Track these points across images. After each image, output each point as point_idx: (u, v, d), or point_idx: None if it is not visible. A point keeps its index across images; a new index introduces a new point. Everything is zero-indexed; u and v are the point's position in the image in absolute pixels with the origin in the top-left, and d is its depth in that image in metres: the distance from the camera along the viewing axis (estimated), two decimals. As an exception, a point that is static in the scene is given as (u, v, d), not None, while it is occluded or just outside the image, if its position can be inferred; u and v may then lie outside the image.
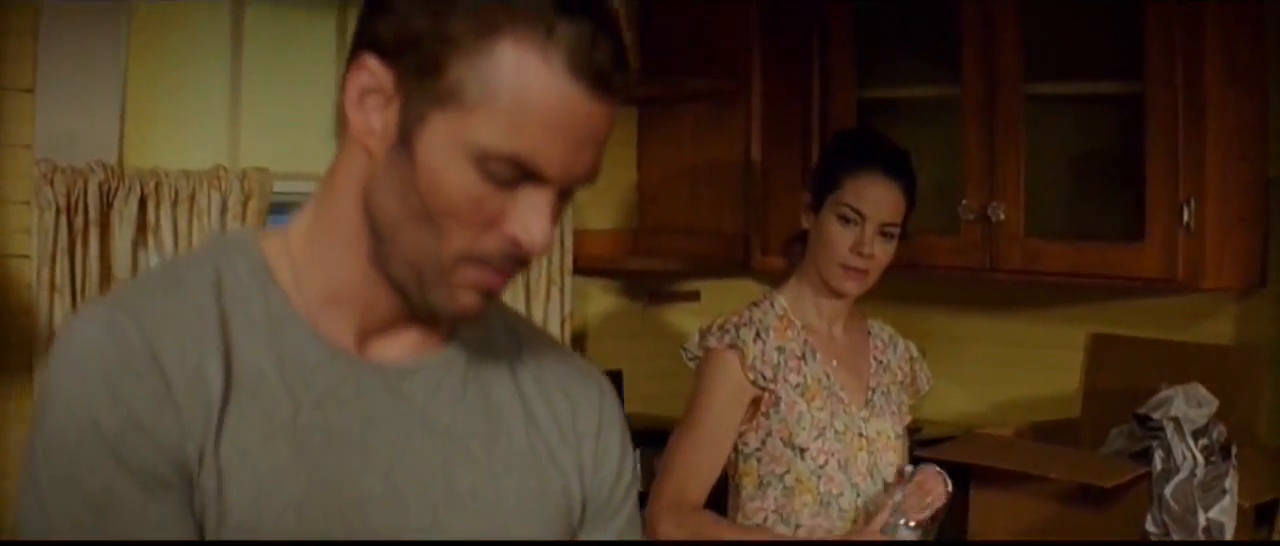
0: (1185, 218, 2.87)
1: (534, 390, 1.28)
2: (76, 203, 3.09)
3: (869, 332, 2.61)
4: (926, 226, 3.02)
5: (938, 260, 3.26)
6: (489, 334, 1.27)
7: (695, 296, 4.18)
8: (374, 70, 1.09)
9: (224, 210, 3.27)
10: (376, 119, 1.10)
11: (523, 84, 1.04)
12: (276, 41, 3.54)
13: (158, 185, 3.20)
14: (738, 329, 2.43)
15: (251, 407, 1.11)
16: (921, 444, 3.16)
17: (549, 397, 1.29)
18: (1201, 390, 2.68)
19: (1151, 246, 2.93)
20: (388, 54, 1.08)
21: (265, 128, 3.51)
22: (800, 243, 2.56)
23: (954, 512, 2.94)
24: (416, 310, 1.15)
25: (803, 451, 2.40)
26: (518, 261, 1.11)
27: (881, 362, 2.58)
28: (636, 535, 1.36)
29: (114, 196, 3.14)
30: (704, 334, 2.48)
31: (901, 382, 2.61)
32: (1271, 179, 3.07)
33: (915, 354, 2.68)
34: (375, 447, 1.16)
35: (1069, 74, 3.12)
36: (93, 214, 3.11)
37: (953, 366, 3.65)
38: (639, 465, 3.64)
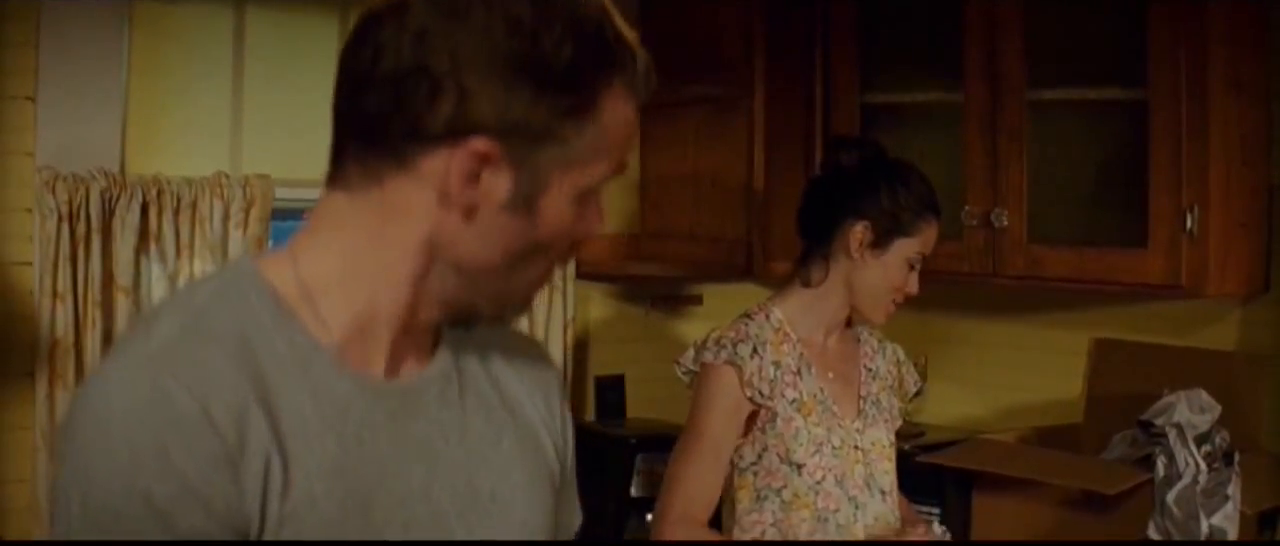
0: (1188, 224, 2.87)
1: (509, 377, 1.31)
2: (78, 210, 3.09)
3: (858, 340, 2.60)
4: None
5: (940, 266, 3.23)
6: (454, 332, 1.27)
7: (697, 301, 4.18)
8: (483, 151, 1.11)
9: (226, 217, 3.27)
10: (481, 187, 1.13)
11: (617, 124, 1.17)
12: (278, 48, 3.54)
13: (160, 192, 3.20)
14: (734, 345, 2.41)
15: (306, 456, 1.10)
16: (924, 448, 3.16)
17: (521, 380, 1.32)
18: (1204, 396, 2.68)
19: (1154, 252, 2.93)
20: (496, 132, 1.11)
21: (267, 134, 3.51)
22: (823, 261, 2.50)
23: (958, 518, 2.94)
24: (473, 322, 1.22)
25: (799, 467, 2.39)
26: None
27: (871, 371, 2.57)
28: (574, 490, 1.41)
29: (116, 203, 3.14)
30: (699, 349, 2.46)
31: (891, 387, 2.60)
32: (1274, 185, 3.07)
33: (902, 356, 2.67)
34: (411, 473, 1.18)
35: (1072, 80, 3.11)
36: (95, 221, 3.11)
37: (955, 371, 3.65)
38: (642, 472, 3.67)
